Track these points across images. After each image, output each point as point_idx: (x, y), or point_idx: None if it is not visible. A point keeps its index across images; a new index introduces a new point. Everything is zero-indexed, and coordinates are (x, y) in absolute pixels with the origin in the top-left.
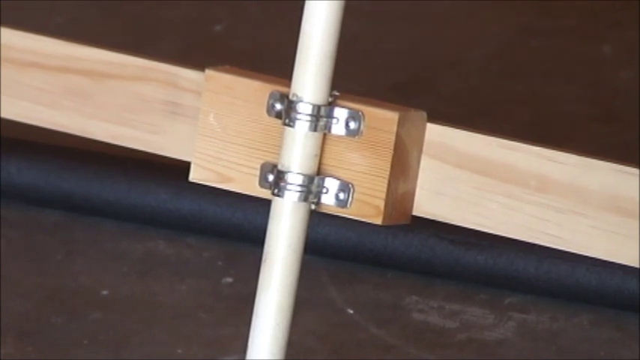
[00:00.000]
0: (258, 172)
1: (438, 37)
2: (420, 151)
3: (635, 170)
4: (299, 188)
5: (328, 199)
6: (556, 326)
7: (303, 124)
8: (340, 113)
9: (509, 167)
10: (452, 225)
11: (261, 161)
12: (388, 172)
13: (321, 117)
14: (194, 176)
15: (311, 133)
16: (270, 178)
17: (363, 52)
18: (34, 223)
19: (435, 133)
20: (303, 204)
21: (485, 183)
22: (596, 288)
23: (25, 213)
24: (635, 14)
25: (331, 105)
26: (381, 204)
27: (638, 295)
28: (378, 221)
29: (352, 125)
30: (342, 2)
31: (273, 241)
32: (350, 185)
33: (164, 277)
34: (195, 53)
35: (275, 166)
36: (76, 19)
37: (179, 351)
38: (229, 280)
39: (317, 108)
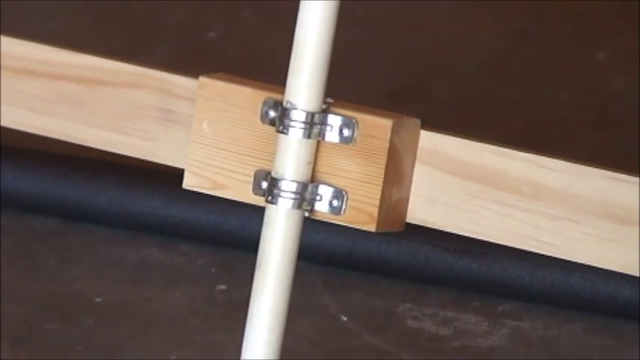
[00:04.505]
0: (251, 179)
1: (432, 43)
2: (414, 158)
3: (628, 177)
4: (293, 195)
5: (322, 206)
6: (550, 333)
7: (296, 131)
8: (334, 120)
9: (503, 174)
10: (445, 232)
11: (255, 168)
12: (382, 180)
13: (314, 124)
14: (187, 183)
15: (305, 140)
16: (264, 185)
17: (358, 58)
18: (29, 230)
19: (429, 140)
20: (297, 211)
21: (479, 190)
22: (590, 295)
23: (20, 220)
24: (630, 20)
25: (325, 112)
26: (375, 211)
27: (632, 303)
28: (372, 228)
29: (346, 132)
30: (336, 9)
31: (267, 248)
32: (344, 192)
33: (158, 283)
34: (189, 60)
35: (269, 173)
36: (70, 26)
37: (173, 357)
38: (223, 287)
39: (311, 115)
